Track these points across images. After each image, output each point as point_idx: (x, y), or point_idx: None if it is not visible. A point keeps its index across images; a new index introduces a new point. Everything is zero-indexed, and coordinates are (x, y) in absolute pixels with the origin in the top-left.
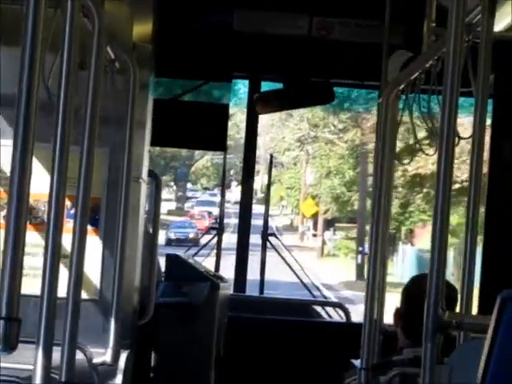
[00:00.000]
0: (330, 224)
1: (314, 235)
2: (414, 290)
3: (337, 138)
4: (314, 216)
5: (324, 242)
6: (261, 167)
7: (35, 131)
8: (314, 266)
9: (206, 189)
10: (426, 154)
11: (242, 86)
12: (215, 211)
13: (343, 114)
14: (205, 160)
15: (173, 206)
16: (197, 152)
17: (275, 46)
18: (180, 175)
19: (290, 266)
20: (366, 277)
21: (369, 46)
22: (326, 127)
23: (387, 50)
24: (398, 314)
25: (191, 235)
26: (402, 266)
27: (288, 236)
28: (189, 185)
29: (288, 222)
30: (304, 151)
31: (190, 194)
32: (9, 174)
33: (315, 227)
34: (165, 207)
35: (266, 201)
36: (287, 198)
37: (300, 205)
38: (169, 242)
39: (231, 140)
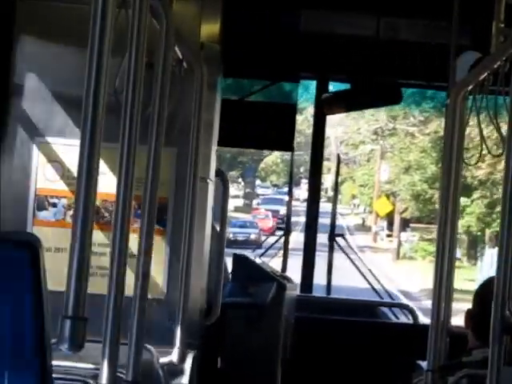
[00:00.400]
0: (406, 224)
1: (389, 235)
2: (485, 292)
3: (417, 131)
4: (389, 215)
5: (400, 244)
6: (331, 164)
7: (102, 131)
8: (389, 269)
9: (275, 186)
10: (494, 155)
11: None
12: (283, 210)
13: (426, 104)
14: (274, 156)
15: (240, 202)
16: None
17: (342, 46)
18: (248, 171)
19: (359, 270)
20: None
21: (436, 46)
22: (406, 118)
23: (455, 50)
24: (469, 315)
25: (252, 236)
26: (490, 272)
27: (360, 236)
28: (258, 181)
29: (360, 221)
30: (379, 145)
31: (260, 190)
32: (76, 174)
33: (389, 227)
34: (232, 204)
35: (334, 200)
36: (360, 196)
37: (373, 203)
38: (227, 244)
39: (301, 135)
